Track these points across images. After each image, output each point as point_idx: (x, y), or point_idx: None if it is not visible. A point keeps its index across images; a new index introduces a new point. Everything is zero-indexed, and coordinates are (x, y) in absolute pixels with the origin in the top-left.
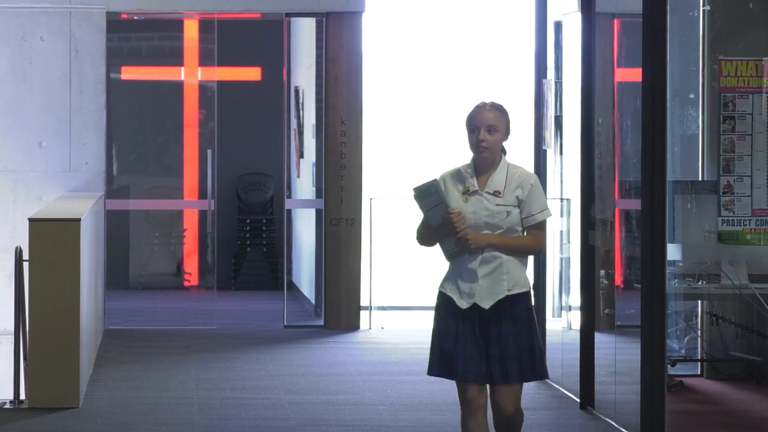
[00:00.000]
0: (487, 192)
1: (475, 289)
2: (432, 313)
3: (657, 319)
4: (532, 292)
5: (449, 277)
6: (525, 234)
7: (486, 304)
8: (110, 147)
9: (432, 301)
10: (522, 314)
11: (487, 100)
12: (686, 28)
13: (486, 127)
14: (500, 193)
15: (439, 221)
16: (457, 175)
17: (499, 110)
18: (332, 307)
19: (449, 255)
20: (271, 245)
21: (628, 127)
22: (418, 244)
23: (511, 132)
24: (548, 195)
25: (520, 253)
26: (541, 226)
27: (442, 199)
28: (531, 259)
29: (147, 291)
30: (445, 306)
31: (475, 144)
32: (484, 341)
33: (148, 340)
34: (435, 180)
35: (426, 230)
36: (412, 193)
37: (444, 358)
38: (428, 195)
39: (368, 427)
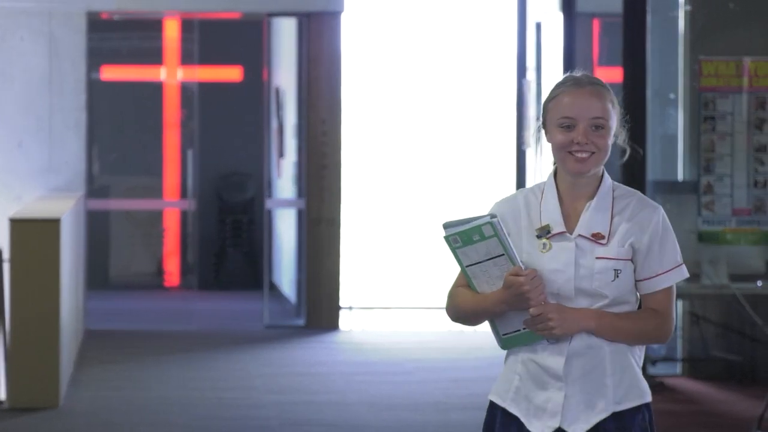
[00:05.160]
0: (581, 236)
1: (559, 401)
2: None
3: None
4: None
5: (510, 379)
6: (640, 306)
7: (578, 428)
8: (90, 147)
9: (416, 300)
10: None
11: (578, 73)
12: (666, 28)
13: (590, 121)
14: (604, 237)
15: (495, 286)
16: (524, 206)
17: (605, 90)
18: (313, 307)
19: (509, 341)
20: (252, 245)
21: None
22: (449, 318)
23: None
24: None
25: (634, 341)
26: (668, 293)
27: (506, 249)
28: None
29: (128, 291)
30: (502, 428)
31: (569, 151)
32: None
33: (129, 340)
34: (493, 216)
35: (470, 299)
36: (444, 234)
37: None
38: (478, 239)
39: (349, 427)
